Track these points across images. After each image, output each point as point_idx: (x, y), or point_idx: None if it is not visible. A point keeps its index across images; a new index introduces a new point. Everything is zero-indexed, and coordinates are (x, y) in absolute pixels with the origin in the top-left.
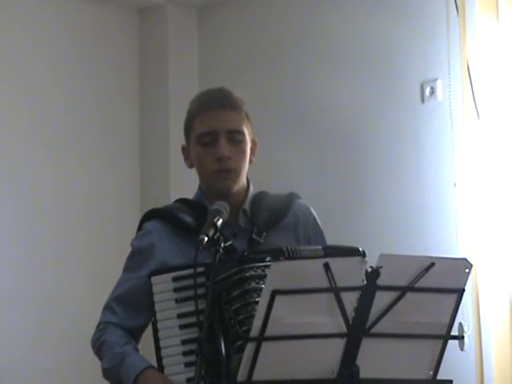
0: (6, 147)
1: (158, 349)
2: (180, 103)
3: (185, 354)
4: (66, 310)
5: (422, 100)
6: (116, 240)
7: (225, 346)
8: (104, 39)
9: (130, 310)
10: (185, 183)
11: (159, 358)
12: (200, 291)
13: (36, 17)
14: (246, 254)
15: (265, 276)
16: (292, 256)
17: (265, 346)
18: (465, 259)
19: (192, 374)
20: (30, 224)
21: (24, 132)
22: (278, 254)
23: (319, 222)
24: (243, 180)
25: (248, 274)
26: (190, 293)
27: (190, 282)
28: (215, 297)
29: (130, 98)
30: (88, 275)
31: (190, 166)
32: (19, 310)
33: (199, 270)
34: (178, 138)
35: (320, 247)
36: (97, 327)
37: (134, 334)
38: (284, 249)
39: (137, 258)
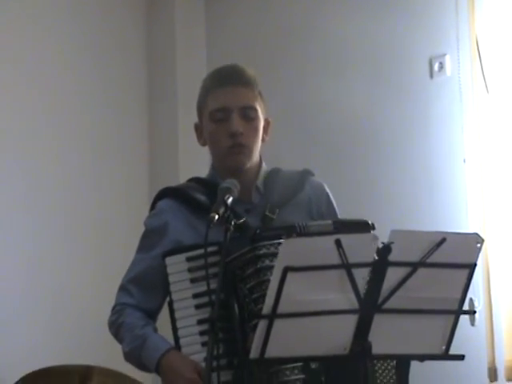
0: (11, 142)
1: (175, 329)
2: (188, 91)
3: (201, 333)
4: (76, 305)
5: (431, 75)
6: (126, 232)
7: (241, 324)
8: (111, 28)
9: (145, 290)
10: (194, 173)
11: (176, 338)
12: (214, 270)
13: (41, 4)
14: (257, 231)
15: (278, 253)
16: (303, 232)
17: (277, 323)
18: (476, 234)
19: None
20: (39, 219)
21: (30, 125)
22: (290, 231)
23: (333, 199)
24: (256, 157)
25: (261, 252)
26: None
27: (204, 261)
28: (229, 275)
29: (137, 87)
30: (99, 268)
31: (203, 144)
32: (30, 306)
33: (212, 248)
34: (186, 124)
35: (330, 221)
36: (113, 309)
37: (152, 315)
38: (296, 225)
39: (150, 237)
